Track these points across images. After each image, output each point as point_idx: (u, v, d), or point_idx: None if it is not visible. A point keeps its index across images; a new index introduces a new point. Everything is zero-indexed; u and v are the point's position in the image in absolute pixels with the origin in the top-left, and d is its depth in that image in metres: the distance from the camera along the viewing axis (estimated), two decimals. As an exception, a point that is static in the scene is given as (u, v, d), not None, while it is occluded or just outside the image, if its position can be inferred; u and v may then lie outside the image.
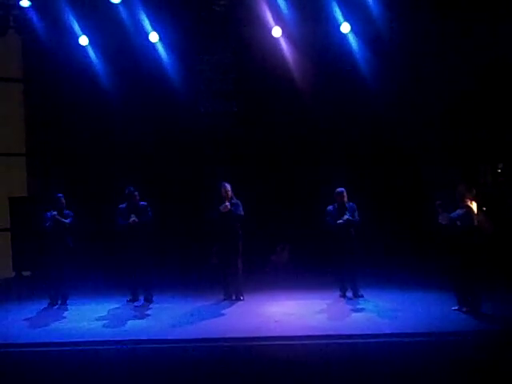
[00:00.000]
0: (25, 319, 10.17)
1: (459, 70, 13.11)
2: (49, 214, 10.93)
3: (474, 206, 9.43)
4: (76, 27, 13.47)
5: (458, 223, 9.43)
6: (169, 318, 9.92)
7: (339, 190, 10.93)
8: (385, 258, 12.44)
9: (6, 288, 13.38)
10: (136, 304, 11.06)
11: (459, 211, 9.45)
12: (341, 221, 10.72)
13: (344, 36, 13.41)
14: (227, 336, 8.75)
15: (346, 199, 10.88)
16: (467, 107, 13.23)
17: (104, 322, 9.86)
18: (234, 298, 11.08)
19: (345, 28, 13.28)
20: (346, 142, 13.69)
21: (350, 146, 13.64)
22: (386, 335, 8.59)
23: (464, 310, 9.52)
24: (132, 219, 10.89)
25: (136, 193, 11.12)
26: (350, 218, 10.73)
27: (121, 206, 11.15)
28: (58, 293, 11.08)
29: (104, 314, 10.42)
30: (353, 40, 13.44)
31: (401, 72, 13.41)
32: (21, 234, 13.88)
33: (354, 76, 13.43)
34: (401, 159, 13.54)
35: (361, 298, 10.81)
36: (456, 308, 9.63)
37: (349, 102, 13.67)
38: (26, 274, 14.31)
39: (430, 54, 13.28)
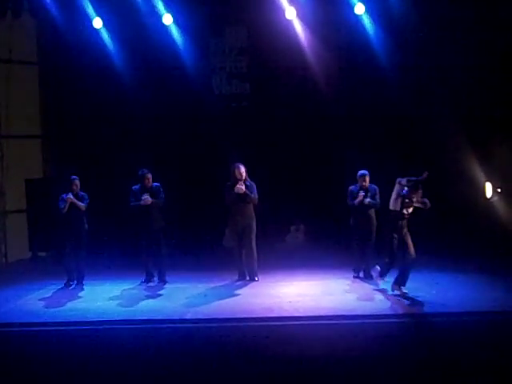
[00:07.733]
0: (40, 299, 10.28)
1: (476, 54, 13.03)
2: (65, 195, 10.99)
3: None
4: (90, 9, 13.52)
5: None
6: (183, 298, 9.98)
7: (362, 172, 10.88)
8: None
9: (23, 268, 13.50)
10: (150, 284, 11.13)
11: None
12: (358, 199, 10.73)
13: (358, 17, 13.36)
14: (241, 316, 8.79)
15: (367, 182, 10.84)
16: (483, 89, 13.12)
17: (118, 301, 9.94)
18: (248, 278, 11.12)
19: (359, 9, 13.22)
20: (361, 123, 13.58)
21: (364, 127, 13.54)
22: (399, 315, 8.64)
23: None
24: (144, 198, 10.90)
25: (149, 174, 11.13)
26: (369, 198, 10.72)
27: (134, 187, 11.17)
28: (74, 273, 11.17)
29: (119, 294, 10.50)
30: (367, 21, 13.37)
31: (415, 54, 13.34)
32: (37, 215, 14.00)
33: (368, 58, 13.37)
34: (418, 141, 13.40)
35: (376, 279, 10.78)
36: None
37: (363, 83, 13.61)
38: (42, 254, 14.46)
39: (445, 36, 13.20)
